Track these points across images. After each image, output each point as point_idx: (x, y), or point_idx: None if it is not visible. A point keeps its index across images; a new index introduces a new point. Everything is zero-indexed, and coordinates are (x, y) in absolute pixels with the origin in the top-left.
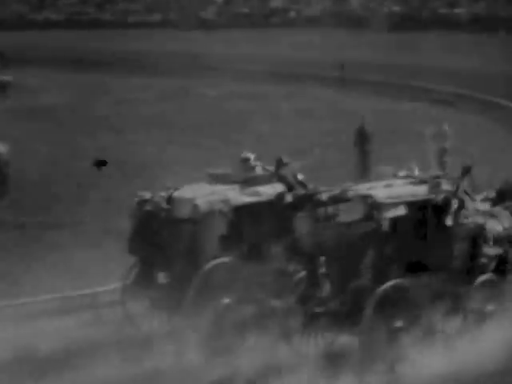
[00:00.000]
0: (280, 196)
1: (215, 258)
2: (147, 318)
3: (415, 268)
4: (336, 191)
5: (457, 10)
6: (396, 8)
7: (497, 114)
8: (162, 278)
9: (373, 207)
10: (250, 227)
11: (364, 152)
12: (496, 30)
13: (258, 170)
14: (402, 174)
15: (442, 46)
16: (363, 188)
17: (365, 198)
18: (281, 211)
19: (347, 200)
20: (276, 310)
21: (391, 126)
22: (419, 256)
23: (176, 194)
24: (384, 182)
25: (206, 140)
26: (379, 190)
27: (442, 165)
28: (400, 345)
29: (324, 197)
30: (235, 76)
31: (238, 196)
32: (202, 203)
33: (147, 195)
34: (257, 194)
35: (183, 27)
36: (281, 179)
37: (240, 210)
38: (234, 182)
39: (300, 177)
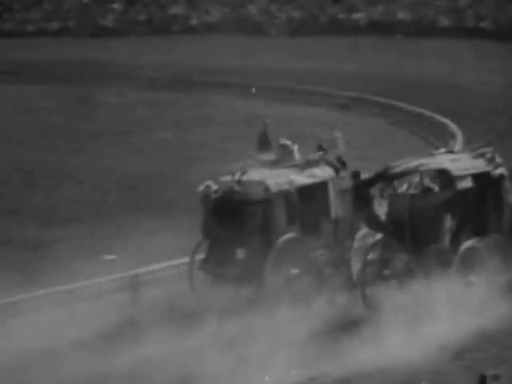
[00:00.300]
0: (356, 174)
1: (283, 233)
2: (211, 292)
3: (479, 232)
4: (408, 166)
5: (355, 15)
6: (295, 14)
7: (395, 117)
8: (241, 254)
9: (450, 179)
10: (309, 205)
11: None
12: (393, 34)
13: (296, 155)
14: (442, 150)
15: (341, 51)
16: (436, 162)
17: (442, 171)
18: (357, 187)
19: (420, 173)
20: (331, 278)
21: (293, 131)
22: (481, 221)
23: (245, 178)
24: (449, 157)
25: (109, 148)
26: (451, 164)
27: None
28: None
29: (397, 171)
30: (137, 83)
31: (299, 178)
32: (272, 185)
33: (212, 183)
34: (313, 175)
35: (82, 35)
36: (328, 162)
37: (301, 190)
38: (290, 166)
39: (342, 159)
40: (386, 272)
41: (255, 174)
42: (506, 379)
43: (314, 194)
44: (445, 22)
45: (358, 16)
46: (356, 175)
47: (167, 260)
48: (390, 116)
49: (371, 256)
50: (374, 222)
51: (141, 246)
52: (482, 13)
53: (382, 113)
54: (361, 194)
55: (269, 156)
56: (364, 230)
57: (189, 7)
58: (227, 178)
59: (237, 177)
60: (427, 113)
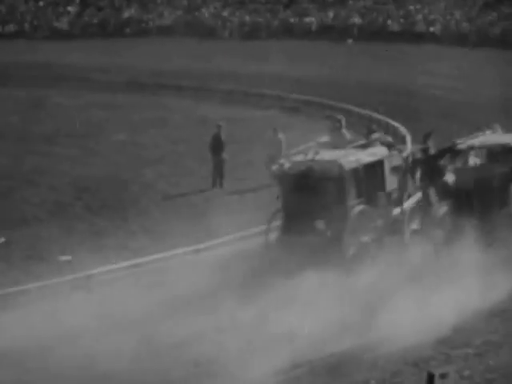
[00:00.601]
0: (425, 149)
1: (354, 206)
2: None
3: None
4: (473, 142)
5: (306, 20)
6: (247, 18)
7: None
8: (320, 224)
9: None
10: (370, 180)
11: (219, 159)
12: (344, 38)
13: (347, 136)
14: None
15: (292, 55)
16: (493, 139)
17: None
18: (429, 160)
19: (483, 148)
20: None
21: (245, 134)
22: None
23: (319, 157)
24: (497, 135)
25: (64, 150)
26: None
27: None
28: None
29: (463, 147)
30: (91, 86)
31: (363, 156)
32: (345, 163)
33: (285, 162)
34: (374, 154)
35: (37, 38)
36: (383, 143)
37: (365, 167)
38: (354, 147)
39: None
40: (458, 235)
41: (326, 154)
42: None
43: (373, 170)
44: (395, 26)
45: (310, 20)
46: (425, 150)
47: (122, 261)
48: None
49: (441, 221)
50: (445, 191)
51: (96, 247)
52: (432, 18)
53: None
54: (432, 166)
55: (326, 138)
56: (410, 200)
57: (142, 10)
58: (300, 158)
59: (311, 156)
60: (377, 116)
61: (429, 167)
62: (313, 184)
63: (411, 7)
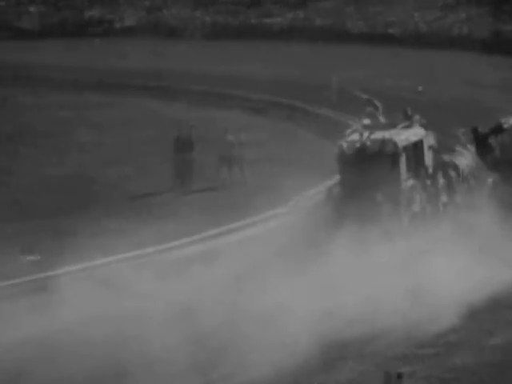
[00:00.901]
0: (475, 129)
1: (406, 180)
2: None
3: None
4: None
5: (268, 20)
6: (208, 18)
7: (304, 120)
8: (379, 197)
9: None
10: (414, 157)
11: (185, 160)
12: (307, 39)
13: (382, 120)
14: None
15: (254, 55)
16: None
17: None
18: (479, 139)
19: None
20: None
21: (208, 134)
22: None
23: (374, 137)
24: None
25: (29, 149)
26: None
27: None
28: None
29: (507, 125)
30: (55, 86)
31: (410, 136)
32: (399, 141)
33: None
34: (416, 134)
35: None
36: (421, 124)
37: (413, 145)
38: (400, 127)
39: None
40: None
41: (379, 134)
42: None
43: (417, 148)
44: (355, 28)
45: (272, 21)
46: (475, 130)
47: (88, 261)
48: (301, 119)
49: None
50: (495, 165)
51: (62, 246)
52: (391, 19)
53: (292, 116)
54: (483, 143)
55: (368, 121)
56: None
57: (105, 10)
58: (355, 137)
59: (366, 135)
60: (337, 116)
61: (481, 144)
62: (371, 160)
63: (371, 9)
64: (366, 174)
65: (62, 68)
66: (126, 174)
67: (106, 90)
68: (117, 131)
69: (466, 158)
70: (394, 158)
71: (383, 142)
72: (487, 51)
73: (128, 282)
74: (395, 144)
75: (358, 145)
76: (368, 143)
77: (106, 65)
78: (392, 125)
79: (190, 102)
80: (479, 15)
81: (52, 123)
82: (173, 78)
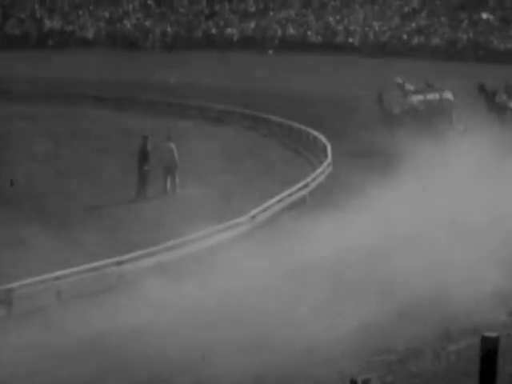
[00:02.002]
0: (482, 85)
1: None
2: None
3: None
4: None
5: (228, 31)
6: (169, 29)
7: (266, 130)
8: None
9: None
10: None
11: (143, 170)
12: (265, 49)
13: (409, 87)
14: None
15: (214, 65)
16: None
17: None
18: (488, 96)
19: None
20: None
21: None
22: None
23: (429, 96)
24: None
25: None
26: None
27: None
28: None
29: None
30: (12, 97)
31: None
32: (452, 97)
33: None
34: (449, 92)
35: None
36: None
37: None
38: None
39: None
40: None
41: (431, 94)
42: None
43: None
44: (314, 37)
45: (231, 31)
46: (482, 86)
47: (42, 273)
48: (262, 129)
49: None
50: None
51: (15, 258)
52: (351, 29)
53: (254, 126)
54: (492, 99)
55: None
56: None
57: (64, 22)
58: (419, 97)
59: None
60: (297, 125)
61: (491, 100)
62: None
63: (331, 18)
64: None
65: (20, 79)
66: (81, 185)
67: (63, 101)
68: (74, 142)
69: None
70: (451, 108)
71: (441, 99)
72: (444, 59)
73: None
74: (449, 100)
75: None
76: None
77: (64, 76)
78: (423, 90)
79: (148, 113)
80: (438, 24)
81: (8, 135)
82: (131, 88)
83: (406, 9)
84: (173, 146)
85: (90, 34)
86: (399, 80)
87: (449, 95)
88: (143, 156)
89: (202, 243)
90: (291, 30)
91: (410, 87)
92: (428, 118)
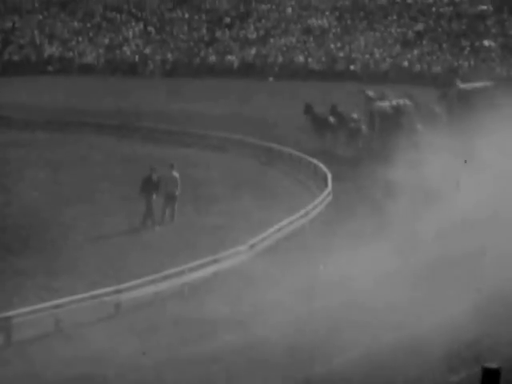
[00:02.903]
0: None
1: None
2: None
3: None
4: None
5: (228, 58)
6: (169, 56)
7: (267, 157)
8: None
9: None
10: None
11: (150, 200)
12: (266, 76)
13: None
14: None
15: (214, 93)
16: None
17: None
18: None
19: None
20: None
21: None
22: None
23: (395, 102)
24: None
25: None
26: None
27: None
28: None
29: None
30: (11, 124)
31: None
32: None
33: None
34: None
35: None
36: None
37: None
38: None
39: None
40: None
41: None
42: None
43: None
44: (314, 64)
45: (231, 58)
46: (309, 106)
47: (40, 302)
48: (262, 156)
49: None
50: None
51: (14, 287)
52: (352, 56)
53: (254, 153)
54: (319, 118)
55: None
56: None
57: (64, 48)
58: (385, 103)
59: (390, 102)
60: (296, 153)
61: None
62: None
63: (332, 46)
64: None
65: (18, 106)
66: (81, 212)
67: (62, 128)
68: (73, 169)
69: None
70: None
71: (404, 104)
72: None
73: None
74: (406, 105)
75: (394, 104)
76: (398, 103)
77: (63, 102)
78: (389, 96)
79: (147, 140)
80: (439, 51)
81: (7, 162)
82: (130, 115)
83: (408, 36)
84: (176, 174)
85: (89, 60)
86: (369, 92)
87: (407, 101)
88: (150, 186)
89: (200, 272)
90: (292, 57)
91: (376, 96)
92: (396, 119)
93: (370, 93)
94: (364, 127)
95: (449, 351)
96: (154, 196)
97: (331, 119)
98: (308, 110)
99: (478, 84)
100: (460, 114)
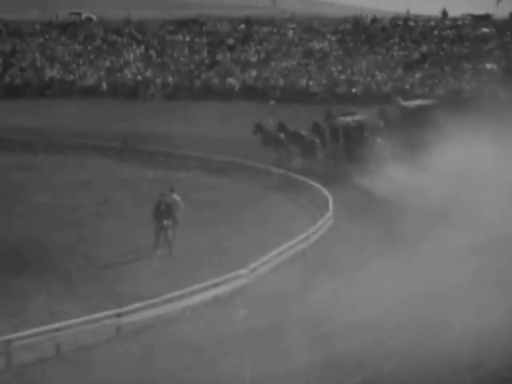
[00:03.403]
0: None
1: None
2: None
3: None
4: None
5: (230, 80)
6: (170, 78)
7: (267, 181)
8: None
9: None
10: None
11: (161, 225)
12: (267, 99)
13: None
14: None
15: (215, 116)
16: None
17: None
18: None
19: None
20: None
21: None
22: None
23: (357, 117)
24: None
25: None
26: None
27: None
28: None
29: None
30: (12, 146)
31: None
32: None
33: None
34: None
35: None
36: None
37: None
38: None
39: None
40: None
41: (349, 118)
42: None
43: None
44: (316, 88)
45: (232, 81)
46: (258, 125)
47: (41, 325)
48: (262, 179)
49: None
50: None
51: (15, 309)
52: (354, 79)
53: (254, 177)
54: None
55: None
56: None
57: (65, 71)
58: (348, 118)
59: (353, 117)
60: (298, 177)
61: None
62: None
63: (333, 68)
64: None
65: (20, 129)
66: (82, 236)
67: (63, 151)
68: (74, 192)
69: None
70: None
71: (359, 121)
72: (445, 109)
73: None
74: (364, 121)
75: (356, 118)
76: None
77: (64, 125)
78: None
79: (148, 163)
80: (441, 74)
81: (8, 185)
82: (131, 138)
83: (410, 59)
84: (177, 197)
85: (90, 83)
86: (332, 110)
87: (365, 116)
88: (161, 212)
89: (200, 296)
90: (293, 80)
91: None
92: (360, 132)
93: (332, 110)
94: (318, 141)
95: None
96: (165, 222)
97: (282, 136)
98: (257, 129)
99: (420, 102)
100: (403, 129)
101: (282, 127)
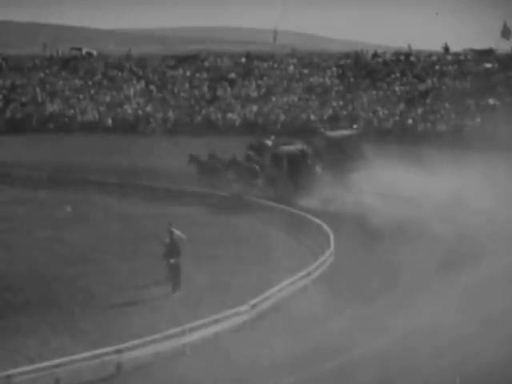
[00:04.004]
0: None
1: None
2: None
3: None
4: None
5: (230, 115)
6: (170, 114)
7: (267, 216)
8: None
9: None
10: None
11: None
12: (267, 134)
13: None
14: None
15: (216, 151)
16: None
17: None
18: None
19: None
20: None
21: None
22: None
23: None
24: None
25: None
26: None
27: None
28: None
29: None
30: (12, 181)
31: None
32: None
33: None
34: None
35: None
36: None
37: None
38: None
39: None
40: None
41: (290, 147)
42: None
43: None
44: (317, 123)
45: (233, 116)
46: (193, 156)
47: (41, 361)
48: (263, 215)
49: None
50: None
51: (15, 345)
52: (355, 114)
53: (254, 212)
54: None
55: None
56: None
57: (65, 105)
58: (290, 147)
59: (295, 146)
60: (297, 212)
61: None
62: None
63: (334, 104)
64: (295, 166)
65: (20, 163)
66: (83, 271)
67: (64, 186)
68: (74, 227)
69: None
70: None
71: (302, 149)
72: (449, 146)
73: None
74: (302, 149)
75: (299, 147)
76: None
77: (65, 160)
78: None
79: (147, 199)
80: (444, 109)
81: (9, 220)
82: (131, 173)
83: (411, 94)
84: (178, 232)
85: (90, 118)
86: (268, 141)
87: (304, 146)
88: (166, 250)
89: (201, 332)
90: (294, 115)
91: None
92: (304, 160)
93: (268, 142)
94: (257, 167)
95: None
96: (172, 260)
97: (217, 164)
98: (192, 159)
99: (344, 132)
100: (329, 157)
101: (213, 157)
